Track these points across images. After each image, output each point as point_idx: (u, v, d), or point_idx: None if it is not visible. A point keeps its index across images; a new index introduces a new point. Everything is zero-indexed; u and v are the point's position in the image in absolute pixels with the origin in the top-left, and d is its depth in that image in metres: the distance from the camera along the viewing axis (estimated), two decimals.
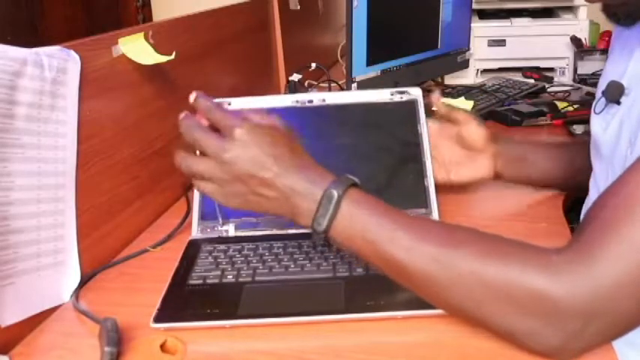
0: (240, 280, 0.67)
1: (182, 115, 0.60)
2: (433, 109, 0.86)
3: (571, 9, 1.58)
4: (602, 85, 0.68)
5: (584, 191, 0.74)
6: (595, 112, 0.69)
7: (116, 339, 0.56)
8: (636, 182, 0.51)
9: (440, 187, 0.81)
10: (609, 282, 0.49)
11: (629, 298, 0.49)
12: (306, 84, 1.38)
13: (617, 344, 0.55)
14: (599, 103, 0.68)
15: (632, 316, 0.50)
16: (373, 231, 0.55)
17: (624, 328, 0.51)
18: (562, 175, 0.85)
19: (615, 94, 0.64)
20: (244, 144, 0.57)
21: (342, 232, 0.56)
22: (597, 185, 0.70)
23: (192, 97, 0.60)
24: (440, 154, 0.85)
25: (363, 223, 0.56)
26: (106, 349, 0.55)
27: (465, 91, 1.41)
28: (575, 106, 1.26)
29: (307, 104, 0.83)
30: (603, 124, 0.67)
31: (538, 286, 0.50)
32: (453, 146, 0.86)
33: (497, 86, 1.44)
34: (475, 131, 0.84)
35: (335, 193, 0.56)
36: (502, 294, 0.51)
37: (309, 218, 0.57)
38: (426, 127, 0.82)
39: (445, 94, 1.37)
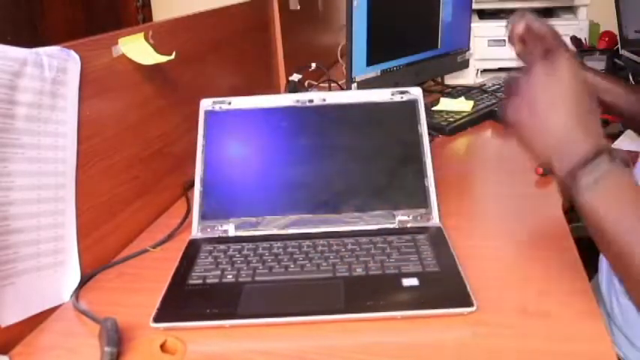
0: (240, 280, 0.68)
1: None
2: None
3: (571, 9, 1.58)
4: None
5: None
6: None
7: (116, 339, 0.56)
8: None
9: (440, 187, 0.80)
10: None
11: None
12: (306, 84, 1.38)
13: (617, 346, 0.55)
14: None
15: None
16: (624, 209, 0.54)
17: None
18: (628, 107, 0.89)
19: None
20: (562, 74, 0.57)
21: (598, 196, 0.55)
22: None
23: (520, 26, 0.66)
24: None
25: (622, 197, 0.55)
26: (106, 349, 0.55)
27: (465, 91, 1.41)
28: None
29: (308, 104, 0.84)
30: None
31: None
32: None
33: (497, 86, 1.44)
34: None
35: (608, 161, 0.55)
36: None
37: (569, 167, 0.56)
38: (426, 127, 0.82)
39: (445, 94, 1.37)
